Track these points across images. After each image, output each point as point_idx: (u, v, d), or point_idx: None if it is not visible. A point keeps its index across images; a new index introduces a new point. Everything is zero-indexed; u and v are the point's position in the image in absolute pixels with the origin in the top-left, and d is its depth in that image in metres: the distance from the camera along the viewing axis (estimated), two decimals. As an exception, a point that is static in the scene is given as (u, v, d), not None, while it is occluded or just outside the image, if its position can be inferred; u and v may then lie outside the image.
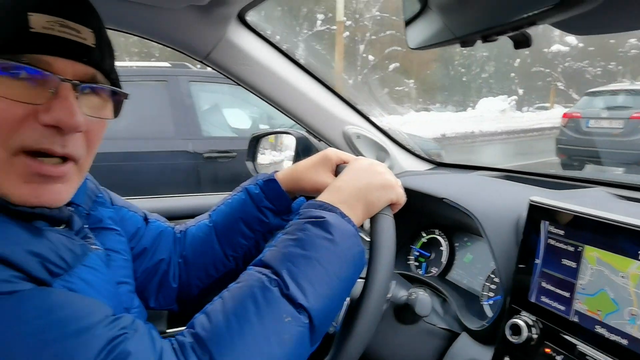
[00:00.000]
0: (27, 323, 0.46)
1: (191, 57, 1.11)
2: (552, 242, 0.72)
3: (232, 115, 4.04)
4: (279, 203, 0.90)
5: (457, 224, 1.14)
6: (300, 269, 0.60)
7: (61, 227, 0.61)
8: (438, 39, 0.48)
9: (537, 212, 0.75)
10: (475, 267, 1.09)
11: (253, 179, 0.93)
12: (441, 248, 1.18)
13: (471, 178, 1.20)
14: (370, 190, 0.71)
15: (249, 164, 1.72)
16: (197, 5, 0.97)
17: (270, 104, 1.24)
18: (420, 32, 0.52)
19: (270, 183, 0.90)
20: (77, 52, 0.55)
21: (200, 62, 1.12)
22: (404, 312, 0.85)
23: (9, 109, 0.51)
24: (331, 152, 0.89)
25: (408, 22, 0.59)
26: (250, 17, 1.13)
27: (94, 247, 0.66)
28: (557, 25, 0.44)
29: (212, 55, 1.10)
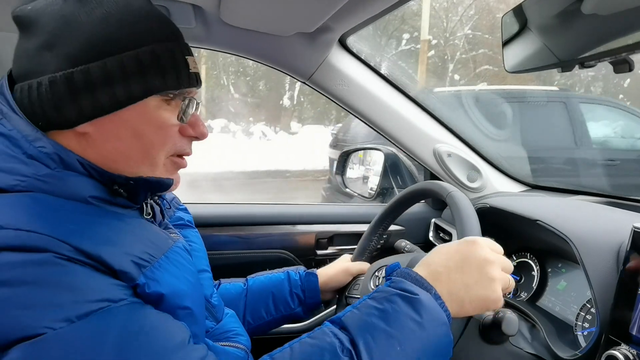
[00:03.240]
0: (114, 335, 0.50)
1: (295, 78, 1.21)
2: (658, 272, 0.68)
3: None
4: (309, 295, 1.03)
5: (552, 249, 1.11)
6: (379, 345, 0.56)
7: (148, 217, 0.71)
8: (536, 62, 0.50)
9: (641, 240, 0.72)
10: (569, 296, 1.04)
11: (296, 267, 1.08)
12: (533, 273, 1.15)
13: (569, 202, 1.16)
14: (473, 294, 0.65)
15: (338, 178, 1.80)
16: (303, 33, 1.07)
17: (365, 122, 1.31)
18: (518, 53, 0.54)
19: (311, 276, 1.05)
20: (199, 82, 0.71)
21: (303, 82, 1.22)
22: (490, 331, 0.84)
23: (172, 128, 0.67)
24: (351, 265, 1.08)
25: (506, 43, 0.61)
26: (350, 40, 1.21)
27: (175, 236, 0.74)
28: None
29: (314, 77, 1.19)
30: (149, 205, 0.73)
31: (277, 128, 12.83)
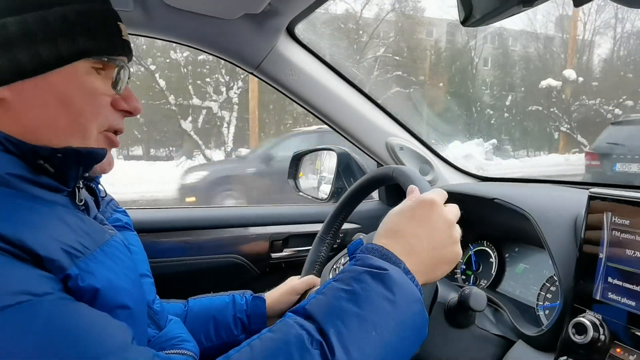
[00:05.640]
0: (34, 333, 0.43)
1: (243, 68, 1.16)
2: (617, 233, 0.68)
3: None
4: (254, 321, 0.96)
5: (507, 234, 1.11)
6: (352, 331, 0.50)
7: (81, 204, 0.64)
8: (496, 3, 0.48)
9: (598, 204, 0.72)
10: (528, 278, 1.04)
11: (243, 291, 1.01)
12: (490, 260, 1.14)
13: (521, 184, 1.17)
14: (442, 258, 0.62)
15: (291, 182, 1.74)
16: (250, 16, 1.03)
17: (316, 115, 1.27)
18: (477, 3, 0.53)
19: (257, 300, 0.98)
20: (132, 52, 0.67)
21: (251, 73, 1.17)
22: (457, 313, 0.81)
23: (104, 98, 0.62)
24: (297, 284, 1.01)
25: None
26: (299, 30, 1.18)
27: (112, 231, 0.67)
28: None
29: (262, 66, 1.14)
30: (81, 191, 0.65)
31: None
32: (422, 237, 0.60)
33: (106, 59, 0.61)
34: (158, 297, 0.84)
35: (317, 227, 1.09)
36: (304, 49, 1.19)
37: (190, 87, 11.12)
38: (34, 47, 0.55)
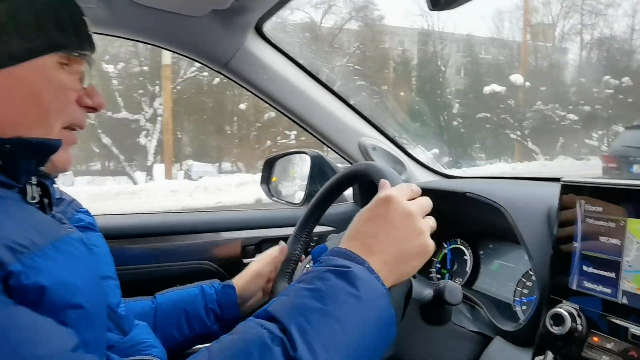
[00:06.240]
0: None
1: (210, 67, 1.13)
2: (591, 221, 0.68)
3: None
4: (226, 310, 0.94)
5: (481, 230, 1.10)
6: (315, 327, 0.49)
7: (33, 201, 0.59)
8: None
9: (570, 192, 0.72)
10: (504, 274, 1.03)
11: (211, 281, 0.98)
12: (465, 257, 1.13)
13: (493, 180, 1.17)
14: (408, 253, 0.61)
15: (264, 187, 1.71)
16: (217, 13, 1.00)
17: (287, 116, 1.25)
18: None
19: (227, 289, 0.95)
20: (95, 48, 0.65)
21: (219, 72, 1.14)
22: (432, 309, 0.79)
23: (71, 93, 0.61)
24: (262, 266, 0.99)
25: None
26: (268, 28, 1.16)
27: (71, 230, 0.62)
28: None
29: (230, 64, 1.11)
30: (32, 188, 0.60)
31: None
32: (380, 236, 0.60)
33: (77, 54, 0.60)
34: (124, 301, 0.79)
35: (291, 231, 1.06)
36: (274, 48, 1.17)
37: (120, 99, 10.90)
38: (4, 38, 0.53)
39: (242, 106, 14.14)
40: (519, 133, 15.49)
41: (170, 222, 1.30)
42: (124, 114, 10.85)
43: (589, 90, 16.46)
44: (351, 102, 1.32)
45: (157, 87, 11.04)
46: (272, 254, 1.01)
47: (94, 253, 0.69)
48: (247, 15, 1.03)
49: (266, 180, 1.69)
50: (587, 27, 18.32)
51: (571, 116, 15.60)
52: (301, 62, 1.23)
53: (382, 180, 0.71)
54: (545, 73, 18.29)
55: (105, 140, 10.68)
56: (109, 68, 11.10)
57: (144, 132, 11.12)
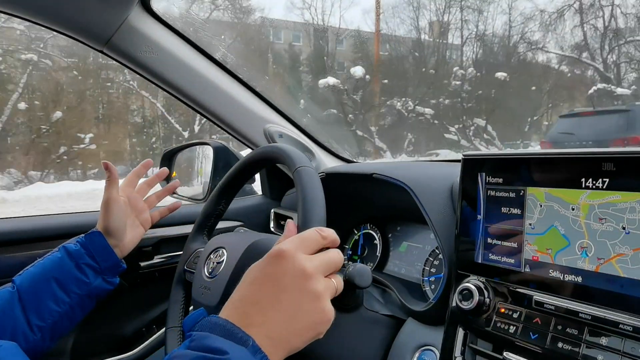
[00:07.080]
0: None
1: (90, 45, 0.98)
2: (492, 192, 0.68)
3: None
4: (102, 259, 0.84)
5: (389, 213, 1.10)
6: None
7: None
8: None
9: (471, 166, 0.71)
10: (412, 255, 1.03)
11: (73, 238, 0.86)
12: (375, 242, 1.12)
13: (400, 163, 1.17)
14: (299, 324, 0.50)
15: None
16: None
17: (183, 102, 1.14)
18: None
19: (94, 237, 0.85)
20: None
21: (100, 51, 1.00)
22: (342, 294, 0.75)
23: None
24: (110, 195, 0.87)
25: None
26: (157, 6, 1.04)
27: None
28: None
29: (112, 42, 0.98)
30: None
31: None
32: (263, 302, 0.50)
33: None
34: None
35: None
36: (163, 25, 1.05)
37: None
38: None
39: (22, 105, 11.91)
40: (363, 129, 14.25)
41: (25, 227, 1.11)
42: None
43: (444, 84, 16.24)
44: (256, 89, 1.25)
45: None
46: (114, 174, 0.88)
47: None
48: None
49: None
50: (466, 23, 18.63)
51: (428, 110, 15.08)
52: (198, 44, 1.13)
53: (287, 221, 0.61)
54: (396, 67, 17.79)
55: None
56: None
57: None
